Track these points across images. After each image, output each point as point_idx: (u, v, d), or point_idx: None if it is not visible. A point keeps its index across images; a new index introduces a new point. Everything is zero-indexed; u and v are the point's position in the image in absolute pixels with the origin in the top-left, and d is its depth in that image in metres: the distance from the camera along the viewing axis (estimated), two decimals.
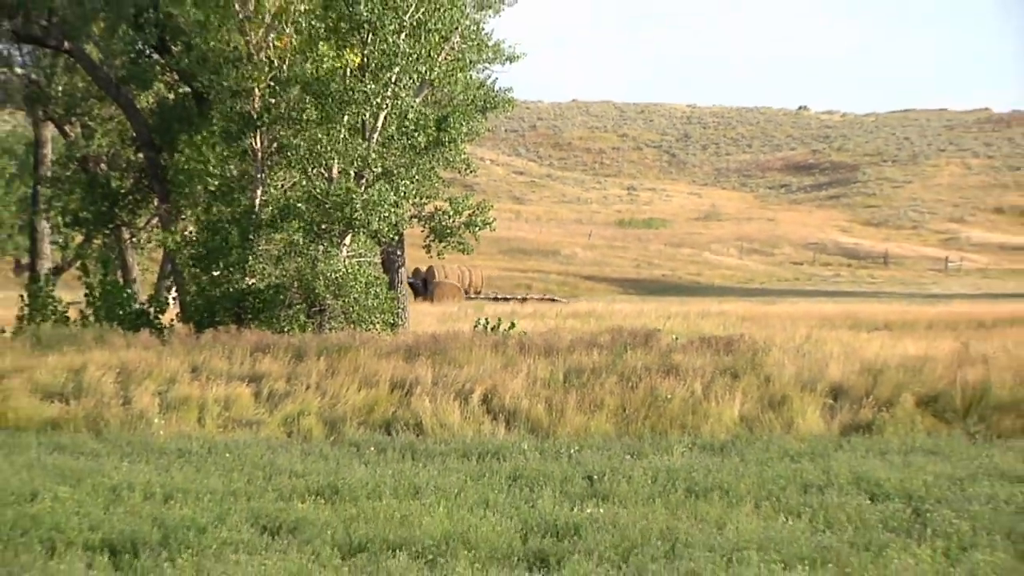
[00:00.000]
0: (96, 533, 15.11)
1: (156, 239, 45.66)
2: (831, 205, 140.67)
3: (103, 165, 46.31)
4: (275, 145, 35.67)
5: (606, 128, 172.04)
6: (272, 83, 35.13)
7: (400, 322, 36.08)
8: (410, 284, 60.97)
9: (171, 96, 41.63)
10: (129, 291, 41.27)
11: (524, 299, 75.05)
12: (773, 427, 23.78)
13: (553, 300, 73.75)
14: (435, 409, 24.46)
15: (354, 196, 33.59)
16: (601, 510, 16.54)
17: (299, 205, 34.41)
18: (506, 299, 74.93)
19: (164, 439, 22.85)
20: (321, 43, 34.62)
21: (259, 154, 35.75)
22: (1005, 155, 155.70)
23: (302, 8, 34.96)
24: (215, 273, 35.61)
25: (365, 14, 33.56)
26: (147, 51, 41.24)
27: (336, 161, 34.42)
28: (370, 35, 34.06)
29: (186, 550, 14.37)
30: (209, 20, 35.89)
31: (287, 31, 35.48)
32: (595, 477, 18.78)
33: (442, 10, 34.83)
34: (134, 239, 47.71)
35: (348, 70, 34.31)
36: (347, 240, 34.80)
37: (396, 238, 38.37)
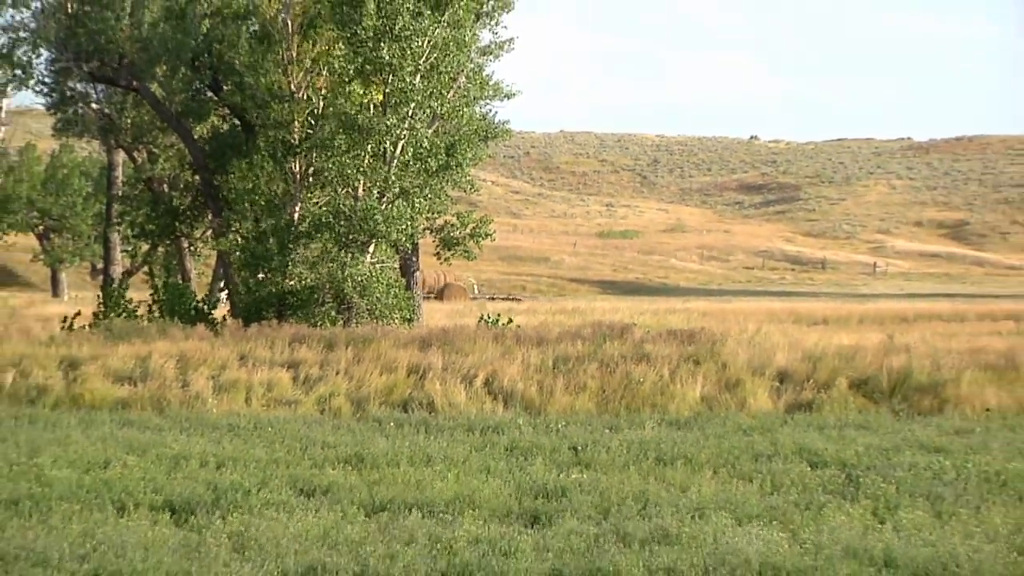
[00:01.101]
0: (159, 495, 15.13)
1: (210, 247, 45.64)
2: (777, 219, 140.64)
3: (165, 185, 46.24)
4: (311, 169, 35.70)
5: (588, 154, 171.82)
6: (310, 117, 35.17)
7: (415, 318, 36.03)
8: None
9: (223, 127, 41.58)
10: (188, 291, 41.26)
11: (492, 298, 75.26)
12: (729, 406, 23.81)
13: (516, 299, 73.36)
14: (445, 391, 24.49)
15: (376, 211, 33.65)
16: (584, 476, 16.58)
17: (331, 219, 34.42)
18: (478, 298, 75.49)
19: (216, 416, 22.86)
20: (350, 83, 34.64)
21: (297, 176, 35.76)
22: (924, 177, 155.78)
23: (336, 53, 35.01)
24: (260, 276, 35.64)
25: (387, 59, 33.62)
26: (203, 89, 41.19)
27: (362, 182, 34.46)
28: (391, 76, 34.08)
29: (235, 509, 14.39)
30: (257, 63, 35.91)
31: (323, 73, 35.50)
32: (579, 448, 18.81)
33: (451, 55, 34.88)
34: (191, 248, 47.66)
35: (373, 106, 34.35)
36: (371, 248, 34.80)
37: (412, 247, 38.38)
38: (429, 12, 34.01)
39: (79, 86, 45.02)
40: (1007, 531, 13.35)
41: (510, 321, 35.40)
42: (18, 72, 44.11)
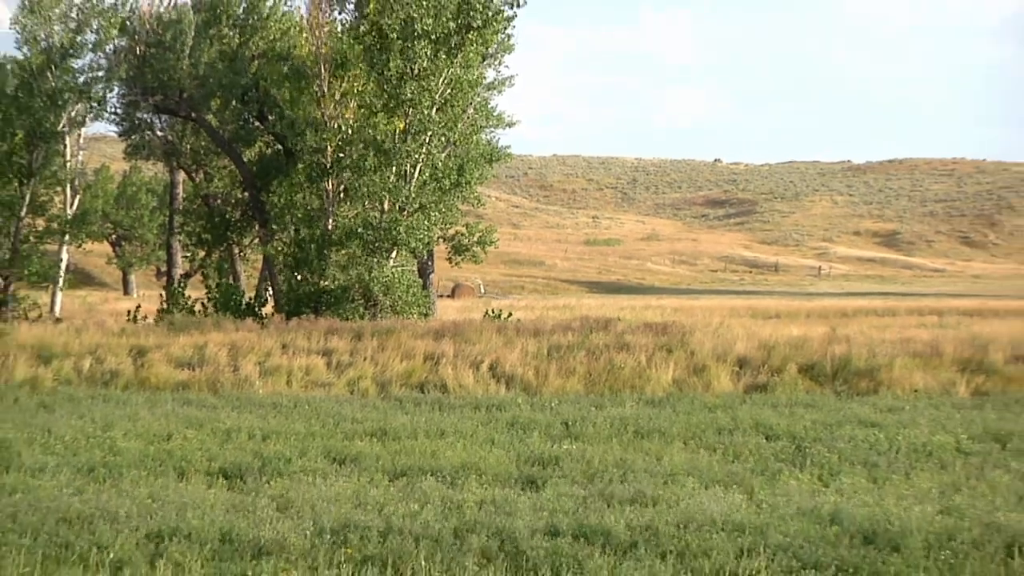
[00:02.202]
0: (214, 463, 15.14)
1: (257, 253, 45.65)
2: (737, 229, 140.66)
3: (219, 201, 46.26)
4: (342, 187, 35.77)
5: (577, 174, 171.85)
6: (341, 143, 35.20)
7: (431, 313, 36.09)
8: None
9: (268, 151, 41.66)
10: (238, 290, 41.26)
11: (494, 296, 74.96)
12: (696, 387, 23.84)
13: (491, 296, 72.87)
14: (456, 375, 24.52)
15: (399, 223, 33.77)
16: (574, 447, 16.58)
17: (359, 229, 34.49)
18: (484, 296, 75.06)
19: (262, 396, 22.91)
20: (376, 114, 34.67)
21: (330, 193, 35.81)
22: (861, 194, 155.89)
23: (362, 89, 35.07)
24: (300, 277, 35.74)
25: (408, 94, 33.72)
26: (251, 120, 41.29)
27: (386, 198, 34.53)
28: (411, 109, 34.19)
29: (278, 475, 14.41)
30: (296, 98, 35.98)
31: (352, 105, 35.53)
32: (569, 423, 18.82)
33: (462, 92, 35.02)
34: (241, 253, 47.66)
35: (395, 133, 34.37)
36: (393, 254, 34.87)
37: (428, 253, 38.47)
38: (444, 56, 34.09)
39: (146, 116, 45.07)
40: (933, 493, 13.36)
41: (511, 315, 35.42)
42: (94, 105, 44.16)
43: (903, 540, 10.81)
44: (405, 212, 34.33)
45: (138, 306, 37.07)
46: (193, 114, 41.63)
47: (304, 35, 38.17)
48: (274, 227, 38.16)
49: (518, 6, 35.73)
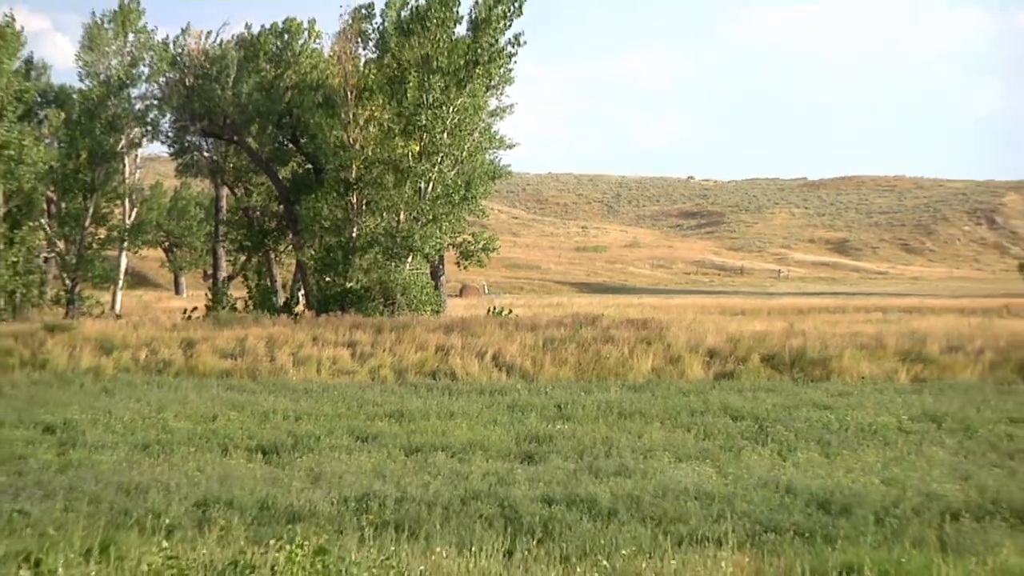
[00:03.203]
0: (253, 440, 15.18)
1: (291, 258, 45.68)
2: (708, 237, 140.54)
3: (258, 212, 46.28)
4: (365, 201, 35.78)
5: (568, 190, 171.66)
6: (363, 162, 35.23)
7: (441, 310, 36.09)
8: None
9: (300, 170, 41.65)
10: (274, 290, 41.28)
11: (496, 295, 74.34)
12: (672, 375, 23.85)
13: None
14: (463, 364, 24.54)
15: (414, 232, 33.83)
16: (565, 426, 16.61)
17: (380, 237, 34.57)
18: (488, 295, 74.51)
19: (295, 382, 22.93)
20: (395, 138, 34.68)
21: (354, 206, 35.82)
22: (815, 207, 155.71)
23: (383, 116, 35.12)
24: (327, 279, 35.75)
25: (423, 121, 33.85)
26: (285, 142, 41.30)
27: (403, 210, 34.56)
28: (425, 134, 34.26)
29: (309, 451, 14.44)
30: (325, 123, 36.02)
31: (373, 130, 35.55)
32: (562, 406, 18.84)
33: (469, 118, 35.13)
34: (277, 258, 47.65)
35: (411, 155, 34.42)
36: (409, 259, 34.89)
37: (439, 258, 38.48)
38: (455, 88, 34.17)
39: (194, 139, 45.14)
40: (878, 467, 13.37)
41: (511, 312, 35.42)
42: (149, 129, 44.27)
43: (852, 507, 10.83)
44: (420, 222, 34.35)
45: (195, 308, 36.98)
46: (235, 137, 41.67)
47: (332, 68, 38.17)
48: (305, 235, 38.18)
49: (519, 45, 35.82)
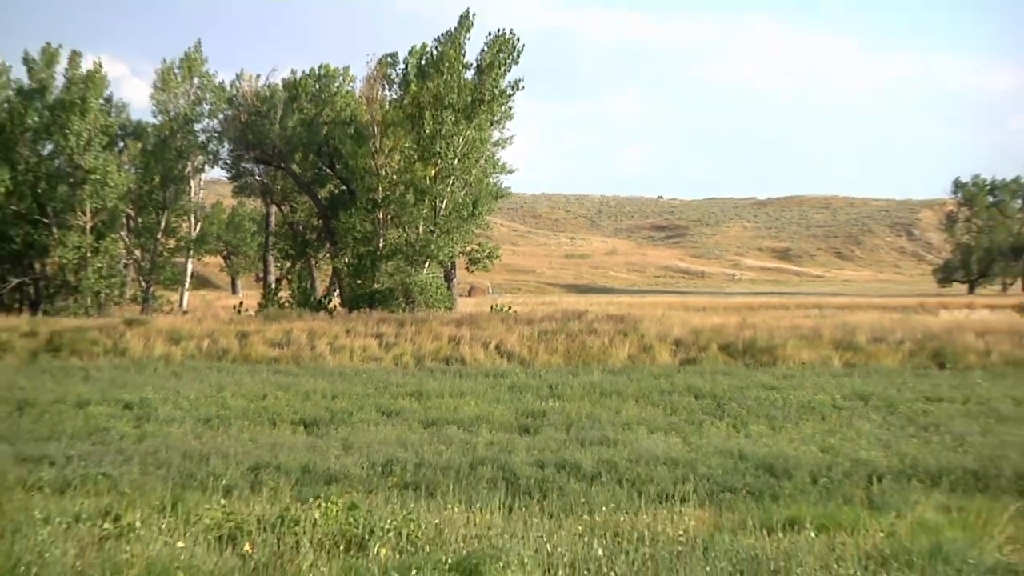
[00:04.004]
0: (297, 415, 15.18)
1: (328, 264, 45.69)
2: (674, 247, 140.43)
3: (301, 226, 46.33)
4: (389, 216, 35.72)
5: (559, 207, 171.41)
6: (388, 184, 35.26)
7: (453, 307, 36.03)
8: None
9: (335, 191, 41.63)
10: (314, 291, 41.28)
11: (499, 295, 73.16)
12: (645, 361, 23.84)
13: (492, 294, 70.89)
14: (471, 352, 24.53)
15: (431, 242, 33.84)
16: (556, 404, 16.60)
17: (402, 247, 34.58)
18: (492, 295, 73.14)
19: (332, 367, 22.93)
20: (414, 163, 34.70)
21: (381, 221, 35.77)
22: (764, 221, 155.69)
23: (404, 146, 35.16)
24: (359, 281, 35.71)
25: (437, 149, 33.88)
26: (323, 168, 41.29)
27: (421, 224, 34.53)
28: (440, 160, 34.28)
29: (343, 424, 14.43)
30: (356, 152, 36.06)
31: (396, 157, 35.58)
32: (553, 386, 18.83)
33: (476, 147, 35.21)
34: (316, 264, 47.68)
35: (428, 177, 34.45)
36: (426, 265, 34.87)
37: (451, 263, 38.43)
38: (463, 121, 34.19)
39: (247, 166, 45.22)
40: (815, 437, 13.37)
41: (511, 309, 35.40)
42: (210, 157, 44.31)
43: (793, 471, 10.82)
44: (435, 234, 34.37)
45: (248, 305, 37.06)
46: (282, 164, 41.68)
47: (362, 106, 38.26)
48: (340, 245, 38.17)
49: (517, 89, 35.92)
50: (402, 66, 37.81)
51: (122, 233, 42.33)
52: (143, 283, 42.49)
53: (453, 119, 33.85)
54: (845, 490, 9.91)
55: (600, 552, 6.59)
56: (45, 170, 39.49)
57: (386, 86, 37.62)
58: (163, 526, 6.98)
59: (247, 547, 6.44)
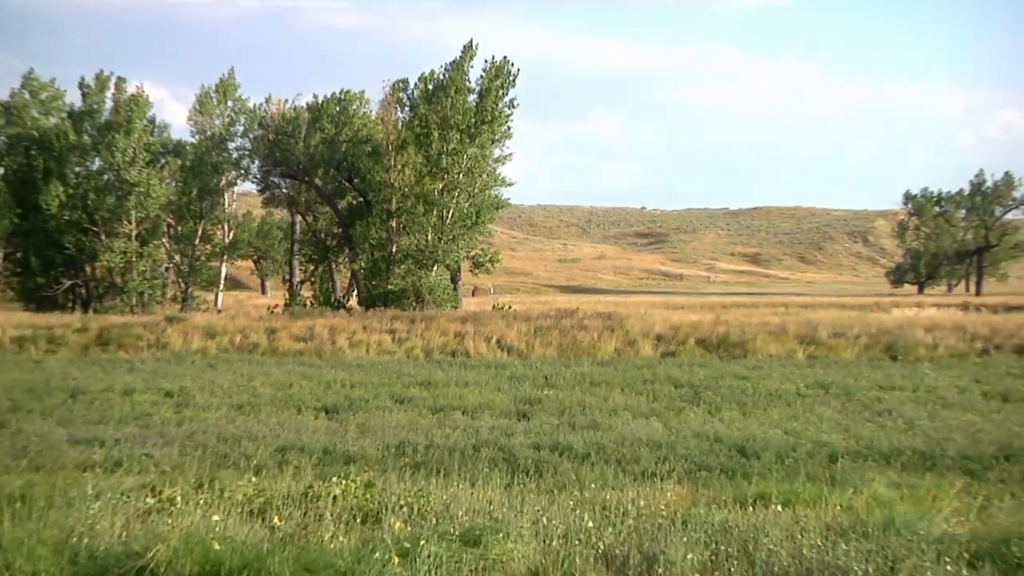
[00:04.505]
0: (319, 402, 15.16)
1: (347, 268, 45.67)
2: (656, 252, 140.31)
3: (322, 234, 46.27)
4: (401, 225, 35.71)
5: (552, 216, 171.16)
6: (400, 196, 35.26)
7: (458, 306, 36.03)
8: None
9: (354, 202, 41.60)
10: (334, 291, 41.24)
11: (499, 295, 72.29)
12: (630, 354, 23.80)
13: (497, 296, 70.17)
14: (475, 346, 24.49)
15: (438, 248, 33.84)
16: (551, 392, 16.58)
17: (413, 252, 34.55)
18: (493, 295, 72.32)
19: (350, 359, 22.89)
20: (424, 178, 34.72)
21: (394, 229, 35.77)
22: (736, 229, 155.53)
23: (415, 162, 35.19)
24: (374, 283, 35.71)
25: (444, 165, 33.89)
26: (343, 181, 41.20)
27: (430, 232, 34.52)
28: (447, 174, 34.27)
29: (360, 410, 14.41)
30: (372, 167, 36.10)
31: (407, 172, 35.57)
32: (548, 376, 18.82)
33: (479, 163, 35.21)
34: (336, 267, 47.65)
35: (436, 190, 34.46)
36: (435, 268, 34.85)
37: (457, 267, 38.41)
38: (467, 140, 34.21)
39: (275, 180, 45.12)
40: (781, 422, 13.38)
41: (510, 307, 35.39)
42: (242, 172, 44.33)
43: (762, 451, 10.83)
44: (443, 241, 34.36)
45: (276, 304, 37.01)
46: (306, 178, 41.62)
47: (377, 127, 38.27)
48: (357, 251, 38.16)
49: (513, 108, 35.96)
50: (412, 90, 37.82)
51: (163, 240, 42.33)
52: (182, 284, 42.48)
53: (458, 138, 33.89)
54: (808, 469, 9.92)
55: (590, 524, 6.59)
56: (94, 184, 39.56)
57: (398, 108, 37.61)
58: (200, 501, 6.97)
59: (275, 519, 6.45)
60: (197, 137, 42.91)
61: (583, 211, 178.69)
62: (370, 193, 37.22)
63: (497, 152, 39.52)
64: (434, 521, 6.58)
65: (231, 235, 46.46)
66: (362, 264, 37.48)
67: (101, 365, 21.09)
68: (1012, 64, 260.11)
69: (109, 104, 40.74)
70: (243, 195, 64.65)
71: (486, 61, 35.20)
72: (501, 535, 6.08)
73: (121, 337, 25.26)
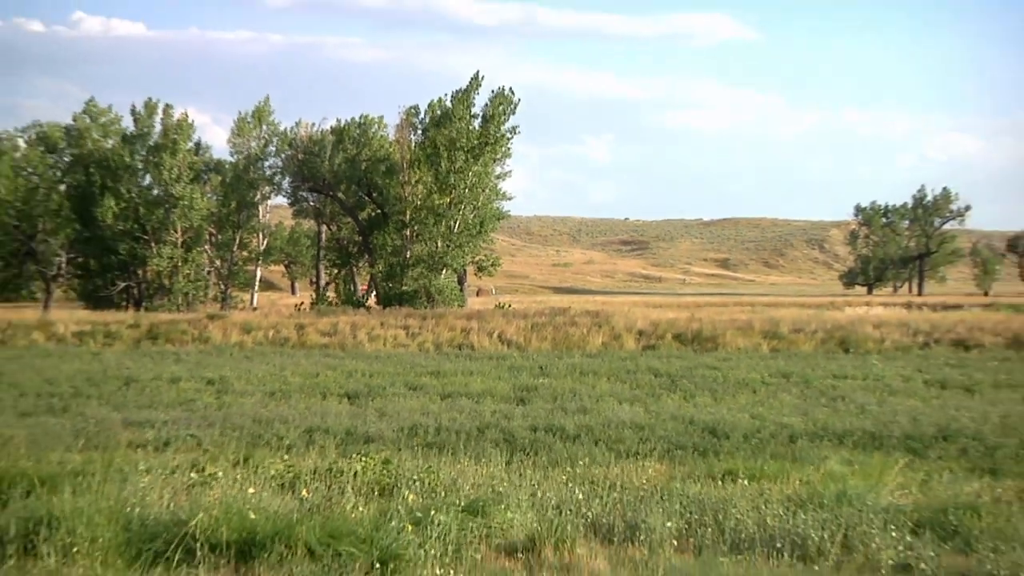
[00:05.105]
0: (342, 389, 15.14)
1: (366, 271, 45.61)
2: (638, 257, 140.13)
3: (345, 242, 46.17)
4: (415, 234, 35.70)
5: (547, 226, 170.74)
6: (413, 209, 35.27)
7: (464, 305, 35.99)
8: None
9: (372, 214, 41.54)
10: (355, 292, 41.19)
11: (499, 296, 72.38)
12: (615, 347, 23.76)
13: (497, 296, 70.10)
14: (479, 340, 24.44)
15: (447, 254, 33.81)
16: (545, 381, 16.55)
17: (424, 257, 34.51)
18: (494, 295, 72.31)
19: (369, 352, 22.86)
20: (433, 193, 34.73)
21: (408, 237, 35.76)
22: (708, 238, 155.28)
23: (426, 179, 35.21)
24: (390, 285, 35.66)
25: (452, 181, 33.90)
26: (363, 195, 41.14)
27: (439, 240, 34.51)
28: (454, 190, 34.28)
29: (378, 396, 14.38)
30: (388, 183, 36.09)
31: (420, 187, 35.57)
32: (543, 367, 18.79)
33: (482, 179, 35.21)
34: (357, 271, 47.59)
35: (444, 204, 34.47)
36: (443, 272, 34.84)
37: (463, 271, 38.39)
38: (472, 159, 34.25)
39: (304, 194, 44.99)
40: (748, 406, 13.37)
41: (509, 306, 35.37)
42: (275, 187, 44.27)
43: (730, 432, 10.83)
44: (450, 248, 34.38)
45: (304, 303, 36.99)
46: (331, 193, 41.58)
47: (393, 147, 38.27)
48: (376, 256, 38.16)
49: (514, 134, 36.03)
50: (423, 116, 37.85)
51: (205, 246, 42.31)
52: (222, 286, 42.47)
53: (464, 158, 33.93)
54: (771, 448, 9.93)
55: (580, 496, 6.59)
56: (144, 198, 39.60)
57: (411, 131, 37.65)
58: (237, 476, 6.96)
59: (303, 492, 6.44)
60: (235, 156, 42.98)
61: (574, 221, 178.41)
62: (387, 206, 37.22)
63: (498, 170, 39.48)
64: (443, 494, 6.57)
65: (265, 242, 46.45)
66: (380, 268, 37.46)
67: (151, 357, 21.08)
68: (948, 93, 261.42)
69: (158, 128, 40.75)
70: (275, 207, 64.58)
71: (491, 91, 35.32)
72: (502, 506, 6.08)
73: (168, 332, 25.25)
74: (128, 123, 41.52)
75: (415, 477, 7.07)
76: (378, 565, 4.95)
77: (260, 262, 46.65)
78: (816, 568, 5.22)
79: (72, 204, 39.80)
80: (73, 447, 9.01)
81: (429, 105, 37.64)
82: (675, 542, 5.65)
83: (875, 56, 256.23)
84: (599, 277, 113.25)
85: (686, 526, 5.95)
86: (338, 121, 43.30)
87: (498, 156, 37.03)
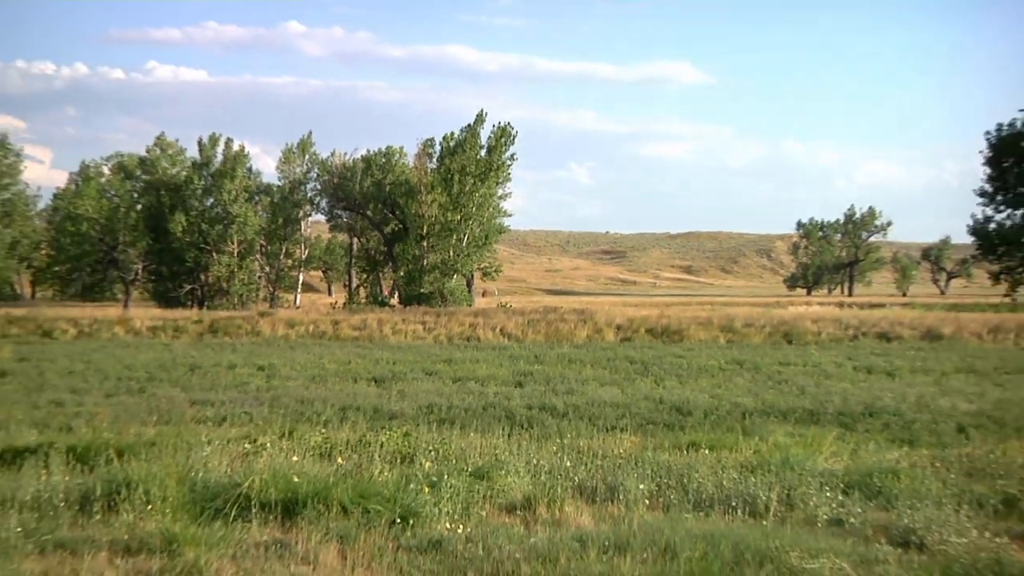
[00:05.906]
0: (370, 374, 15.08)
1: (390, 276, 45.56)
2: (617, 264, 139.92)
3: (373, 252, 46.17)
4: (431, 245, 35.69)
5: (540, 238, 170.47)
6: (429, 225, 35.23)
7: (472, 304, 35.99)
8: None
9: (396, 228, 41.49)
10: (381, 293, 41.14)
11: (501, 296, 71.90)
12: (598, 340, 23.67)
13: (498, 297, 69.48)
14: (484, 333, 24.36)
15: (457, 262, 33.78)
16: (540, 367, 16.47)
17: (439, 264, 34.50)
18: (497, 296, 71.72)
19: (393, 343, 22.78)
20: (447, 211, 34.73)
21: (425, 248, 35.74)
22: (676, 248, 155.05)
23: (440, 199, 35.24)
24: (410, 287, 35.61)
25: (462, 201, 33.85)
26: (387, 212, 41.15)
27: (451, 250, 34.49)
28: (463, 208, 34.26)
29: (400, 380, 14.32)
30: (409, 203, 36.04)
31: (435, 207, 35.54)
32: (538, 355, 18.71)
33: (488, 199, 35.24)
34: (383, 275, 47.59)
35: (455, 220, 34.46)
36: (455, 276, 34.81)
37: (471, 275, 38.37)
38: (479, 182, 34.29)
39: (339, 212, 45.00)
40: (708, 388, 13.35)
41: (509, 305, 35.34)
42: (315, 206, 44.31)
43: (693, 410, 10.81)
44: (460, 257, 34.40)
45: (338, 303, 36.98)
46: (360, 211, 41.62)
47: (413, 173, 38.31)
48: (398, 264, 38.16)
49: (513, 160, 36.08)
50: (438, 147, 37.93)
51: (257, 255, 42.35)
52: (271, 288, 42.51)
53: (472, 182, 34.00)
54: (727, 423, 9.92)
55: (568, 464, 6.61)
56: (207, 215, 39.72)
57: (428, 160, 37.71)
58: (283, 446, 6.97)
59: (339, 460, 6.45)
60: (282, 181, 43.09)
61: (563, 234, 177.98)
62: (407, 221, 37.24)
63: (500, 191, 39.55)
64: (454, 461, 6.58)
65: (306, 252, 46.47)
66: (401, 273, 37.47)
67: (212, 347, 21.07)
68: (872, 129, 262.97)
69: (219, 157, 40.91)
70: (315, 223, 64.37)
71: (494, 125, 35.40)
72: (503, 471, 6.10)
73: (226, 327, 25.26)
74: (193, 152, 41.72)
75: (431, 448, 7.08)
76: (399, 520, 5.00)
77: (302, 268, 46.70)
78: (764, 523, 5.25)
79: (146, 221, 40.19)
80: (148, 422, 9.01)
81: (443, 138, 37.76)
82: (647, 501, 5.69)
83: (810, 97, 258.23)
84: (584, 281, 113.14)
85: (656, 488, 5.98)
86: (367, 151, 43.43)
87: (500, 180, 37.09)
